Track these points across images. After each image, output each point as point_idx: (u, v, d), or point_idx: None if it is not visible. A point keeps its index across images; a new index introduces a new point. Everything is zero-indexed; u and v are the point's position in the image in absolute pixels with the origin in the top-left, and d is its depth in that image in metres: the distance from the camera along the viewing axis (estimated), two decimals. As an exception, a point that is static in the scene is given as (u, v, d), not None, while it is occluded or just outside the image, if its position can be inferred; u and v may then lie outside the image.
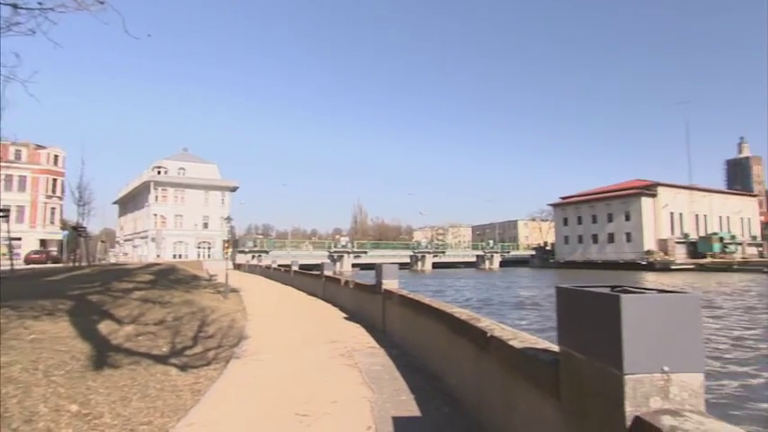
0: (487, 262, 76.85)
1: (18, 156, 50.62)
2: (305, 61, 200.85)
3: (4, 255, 25.43)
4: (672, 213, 65.15)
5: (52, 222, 54.44)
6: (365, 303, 10.05)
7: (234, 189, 65.89)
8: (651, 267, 56.53)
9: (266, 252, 59.97)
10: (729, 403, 7.82)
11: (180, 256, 55.31)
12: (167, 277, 16.55)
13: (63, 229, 49.84)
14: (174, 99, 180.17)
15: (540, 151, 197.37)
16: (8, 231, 20.22)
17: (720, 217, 70.40)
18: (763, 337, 14.30)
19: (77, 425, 3.66)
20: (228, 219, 29.16)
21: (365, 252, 68.82)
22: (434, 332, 5.10)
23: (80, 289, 10.65)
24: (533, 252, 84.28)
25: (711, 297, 25.83)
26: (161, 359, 6.01)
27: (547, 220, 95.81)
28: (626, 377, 1.60)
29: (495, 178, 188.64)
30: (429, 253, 72.84)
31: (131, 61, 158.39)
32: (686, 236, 64.02)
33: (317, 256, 56.22)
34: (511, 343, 2.85)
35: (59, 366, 4.70)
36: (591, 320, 1.82)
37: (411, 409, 4.15)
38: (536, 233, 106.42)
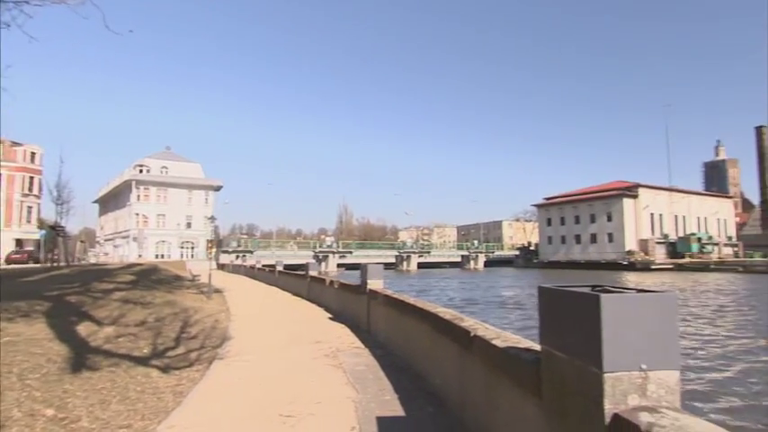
0: (472, 262, 77.31)
1: (-8, 153, 49.20)
2: (290, 60, 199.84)
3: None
4: (652, 214, 66.49)
5: (29, 221, 53.06)
6: (350, 303, 10.03)
7: (218, 188, 65.12)
8: (632, 267, 57.56)
9: (251, 252, 59.41)
10: (696, 397, 8.03)
11: (162, 257, 54.44)
12: (149, 278, 16.26)
13: (40, 228, 48.59)
14: (156, 97, 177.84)
15: (524, 152, 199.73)
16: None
17: (698, 218, 72.10)
18: (725, 334, 14.71)
19: (53, 429, 3.58)
20: (212, 218, 28.80)
21: (350, 252, 68.67)
22: (419, 332, 5.12)
23: (58, 290, 10.40)
24: (517, 252, 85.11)
25: (687, 296, 26.46)
26: (142, 361, 5.90)
27: (531, 221, 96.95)
28: (605, 375, 1.63)
29: (480, 179, 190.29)
30: (414, 253, 73.02)
31: (112, 58, 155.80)
32: (666, 236, 65.42)
33: (302, 257, 55.88)
34: (494, 342, 2.87)
35: (35, 369, 4.58)
36: (572, 320, 1.85)
37: (395, 408, 4.15)
38: (520, 233, 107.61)
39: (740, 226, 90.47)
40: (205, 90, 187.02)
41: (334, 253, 65.92)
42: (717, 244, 68.19)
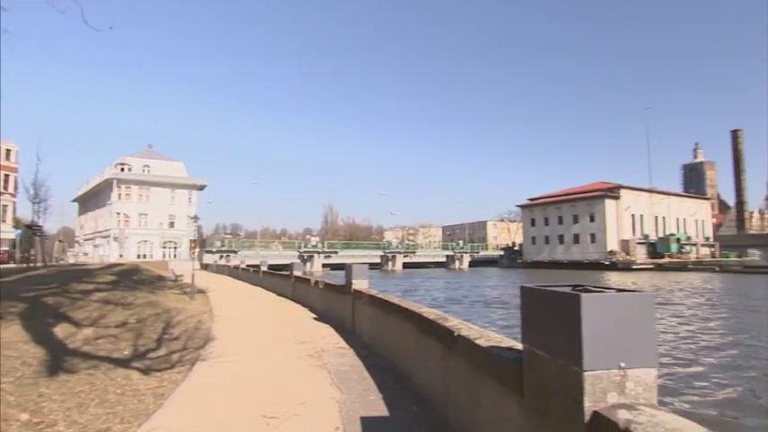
0: (457, 262, 77.75)
1: (-36, 150, 47.77)
2: (275, 59, 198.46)
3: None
4: (633, 215, 67.79)
5: (4, 221, 51.56)
6: (335, 303, 10.00)
7: (201, 187, 64.28)
8: (614, 267, 58.59)
9: (234, 252, 58.80)
10: (666, 392, 8.26)
11: (144, 257, 53.54)
12: (130, 278, 15.96)
13: (16, 227, 47.32)
14: (138, 94, 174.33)
15: (509, 154, 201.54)
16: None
17: (677, 219, 73.74)
18: (697, 331, 15.13)
19: (28, 434, 3.49)
20: (195, 218, 28.48)
21: (336, 252, 68.44)
22: (403, 332, 5.12)
23: (34, 291, 10.14)
24: (502, 252, 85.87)
25: (665, 295, 27.04)
26: (122, 363, 5.80)
27: (515, 221, 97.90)
28: (585, 374, 1.65)
29: (465, 179, 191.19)
30: (400, 253, 73.12)
31: (94, 54, 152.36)
32: (646, 237, 66.75)
33: (286, 257, 55.50)
34: (477, 342, 2.89)
35: (9, 373, 4.47)
36: (553, 319, 1.87)
37: (379, 408, 4.15)
38: (505, 234, 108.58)
39: (717, 227, 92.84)
40: (188, 88, 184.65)
41: (319, 253, 65.62)
42: (695, 244, 69.85)
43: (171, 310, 10.52)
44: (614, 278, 44.03)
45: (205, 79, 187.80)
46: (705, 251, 71.25)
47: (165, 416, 4.17)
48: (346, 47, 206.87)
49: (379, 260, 70.57)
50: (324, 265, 62.95)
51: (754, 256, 66.56)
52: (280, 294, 16.58)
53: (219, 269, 38.16)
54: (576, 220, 69.74)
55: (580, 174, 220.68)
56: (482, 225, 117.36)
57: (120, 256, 50.49)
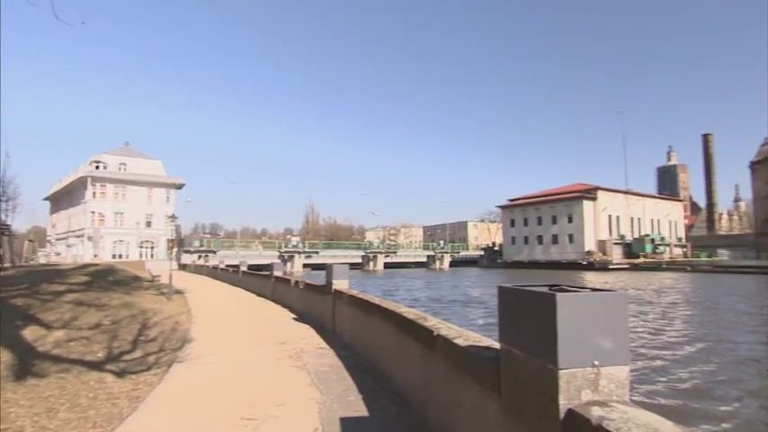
0: (438, 262, 78.16)
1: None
2: (256, 58, 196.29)
3: None
4: (610, 216, 69.25)
5: (-31, 220, 49.70)
6: (315, 304, 9.94)
7: (180, 186, 63.06)
8: (591, 267, 59.76)
9: (213, 252, 57.93)
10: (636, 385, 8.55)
11: (120, 257, 52.22)
12: (105, 278, 15.55)
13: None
14: (114, 92, 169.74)
15: (489, 155, 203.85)
16: None
17: (652, 220, 75.67)
18: (665, 328, 15.64)
19: (-6, 440, 3.37)
20: (173, 217, 27.86)
21: (317, 252, 68.08)
22: (383, 332, 5.13)
23: (2, 292, 9.79)
24: (482, 252, 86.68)
25: (640, 294, 27.75)
26: (95, 365, 5.65)
27: (495, 222, 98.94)
28: (560, 372, 1.68)
29: (446, 180, 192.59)
30: (381, 253, 73.12)
31: (65, 48, 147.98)
32: (622, 237, 68.32)
33: (266, 257, 54.93)
34: (456, 341, 2.91)
35: (-26, 377, 4.30)
36: (529, 318, 1.89)
37: (359, 409, 4.14)
38: (485, 234, 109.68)
39: (689, 227, 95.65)
40: (167, 86, 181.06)
41: (300, 253, 65.14)
42: (668, 245, 71.82)
43: (147, 311, 10.30)
44: (591, 278, 44.91)
45: (184, 77, 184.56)
46: (678, 251, 73.32)
47: (141, 419, 4.08)
48: (328, 47, 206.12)
49: (360, 260, 70.46)
50: (305, 266, 62.51)
51: (723, 255, 68.88)
52: (259, 295, 16.41)
53: (198, 269, 37.53)
54: (554, 220, 70.88)
55: (559, 175, 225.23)
56: (463, 225, 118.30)
57: (95, 256, 49.15)
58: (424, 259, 79.74)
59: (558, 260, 66.49)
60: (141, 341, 7.39)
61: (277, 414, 4.04)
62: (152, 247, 57.61)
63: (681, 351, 12.11)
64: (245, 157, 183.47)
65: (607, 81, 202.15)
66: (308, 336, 8.15)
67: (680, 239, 79.27)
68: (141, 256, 53.78)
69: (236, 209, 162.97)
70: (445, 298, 27.41)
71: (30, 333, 6.51)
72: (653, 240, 67.44)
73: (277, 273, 15.17)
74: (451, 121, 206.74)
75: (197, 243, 59.91)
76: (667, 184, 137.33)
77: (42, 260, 53.24)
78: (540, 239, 72.98)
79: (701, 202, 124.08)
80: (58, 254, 62.18)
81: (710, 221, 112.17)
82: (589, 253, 64.15)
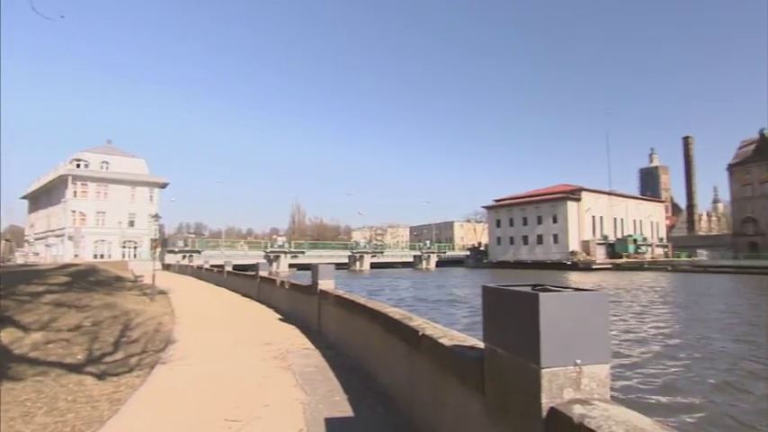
0: (424, 262, 78.39)
1: None
2: (241, 57, 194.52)
3: None
4: (594, 216, 70.28)
5: (-57, 219, 48.33)
6: (301, 304, 9.89)
7: (164, 185, 62.14)
8: (575, 267, 60.55)
9: (198, 252, 57.23)
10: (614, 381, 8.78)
11: (102, 257, 51.25)
12: (86, 279, 15.25)
13: (-42, 225, 44.39)
14: (96, 89, 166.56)
15: (476, 156, 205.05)
16: None
17: (634, 220, 77.01)
18: (644, 326, 15.97)
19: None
20: (157, 216, 27.45)
21: (303, 252, 67.71)
22: (369, 332, 5.12)
23: (-22, 293, 9.54)
24: (468, 252, 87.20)
25: (620, 293, 28.24)
26: (75, 368, 5.53)
27: (481, 222, 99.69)
28: (543, 371, 1.69)
29: (433, 180, 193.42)
30: (367, 253, 73.07)
31: (45, 44, 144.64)
32: (606, 237, 69.39)
33: (252, 257, 54.46)
34: (441, 341, 2.92)
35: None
36: (513, 318, 1.91)
37: (344, 409, 4.13)
38: (471, 234, 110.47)
39: (670, 228, 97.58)
40: (150, 84, 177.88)
41: (285, 253, 64.72)
42: (650, 245, 73.18)
43: (130, 311, 10.13)
44: (575, 278, 45.52)
45: (169, 76, 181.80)
46: (659, 251, 74.75)
47: (122, 422, 4.01)
48: (315, 47, 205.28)
49: (346, 260, 70.34)
50: (290, 266, 62.14)
51: (702, 255, 70.37)
52: (245, 295, 16.27)
53: (182, 269, 37.07)
54: (539, 221, 71.64)
55: (543, 176, 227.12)
56: (449, 225, 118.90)
57: (76, 256, 48.11)
58: (411, 259, 79.89)
59: (543, 260, 67.21)
60: (123, 342, 7.27)
61: (261, 415, 4.01)
62: (135, 247, 56.70)
63: (656, 348, 12.47)
64: (231, 157, 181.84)
65: (592, 83, 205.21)
66: (293, 336, 8.10)
67: (661, 240, 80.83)
68: (124, 256, 52.89)
69: (221, 208, 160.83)
70: (431, 298, 27.51)
71: (5, 335, 6.34)
72: (635, 241, 68.66)
73: (262, 273, 15.07)
74: (437, 122, 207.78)
75: (181, 243, 59.15)
76: (649, 185, 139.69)
77: (20, 260, 51.97)
78: (525, 240, 73.70)
79: (682, 203, 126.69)
80: (37, 254, 60.74)
81: (690, 222, 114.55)
82: (573, 253, 64.97)
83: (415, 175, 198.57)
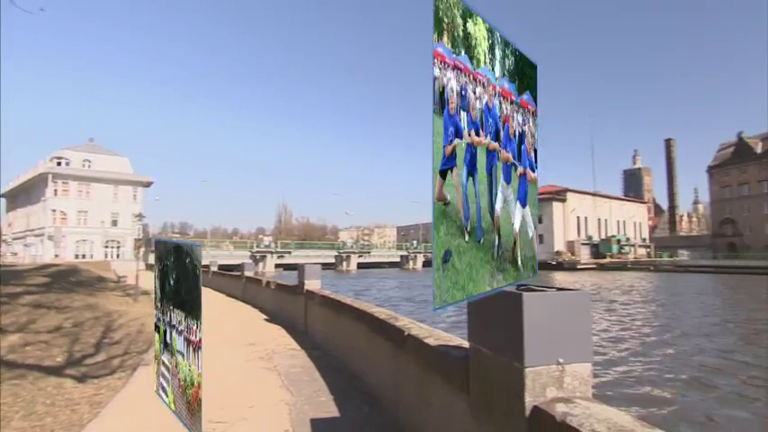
0: (411, 262, 78.45)
1: None
2: (225, 54, 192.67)
3: None
4: (578, 217, 71.26)
5: None
6: (287, 304, 9.84)
7: (148, 184, 61.22)
8: (560, 267, 61.26)
9: (183, 252, 56.43)
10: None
11: (84, 257, 50.28)
12: (67, 279, 14.95)
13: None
14: (78, 86, 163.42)
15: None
16: None
17: (618, 221, 78.29)
18: (626, 324, 16.29)
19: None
20: (140, 216, 27.07)
21: (289, 252, 67.29)
22: (355, 332, 5.12)
23: (-47, 294, 9.29)
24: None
25: (603, 293, 28.70)
26: (54, 371, 5.41)
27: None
28: (526, 370, 1.71)
29: (420, 180, 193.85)
30: (354, 253, 72.90)
31: (26, 39, 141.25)
32: (590, 238, 70.42)
33: (238, 257, 53.96)
34: (426, 341, 2.92)
35: None
36: (497, 318, 1.92)
37: (330, 410, 4.12)
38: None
39: (652, 228, 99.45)
40: (134, 82, 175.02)
41: (272, 253, 64.26)
42: (633, 245, 74.45)
43: (112, 312, 9.96)
44: (560, 277, 46.09)
45: (153, 74, 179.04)
46: (642, 251, 76.09)
47: (102, 425, 3.93)
48: (300, 46, 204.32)
49: (333, 260, 70.09)
50: (277, 266, 61.74)
51: (683, 256, 71.80)
52: (230, 295, 16.12)
53: (166, 270, 36.55)
54: (525, 221, 72.25)
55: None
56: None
57: (56, 256, 47.14)
58: (398, 259, 79.92)
59: (529, 260, 67.75)
60: (105, 344, 7.14)
61: (246, 416, 3.98)
62: (118, 247, 55.75)
63: (634, 345, 12.75)
64: (217, 156, 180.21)
65: (576, 86, 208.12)
66: (279, 336, 8.05)
67: (644, 240, 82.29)
68: (106, 256, 51.98)
69: (206, 208, 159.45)
70: (417, 298, 27.57)
71: (-18, 337, 6.19)
72: (619, 241, 69.77)
73: (248, 273, 14.97)
74: (425, 122, 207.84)
75: (165, 243, 58.26)
76: (633, 186, 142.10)
77: (-2, 260, 50.72)
78: (511, 240, 74.24)
79: (664, 204, 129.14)
80: (15, 254, 59.32)
81: (672, 223, 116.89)
82: (558, 253, 65.75)
83: (402, 175, 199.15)
